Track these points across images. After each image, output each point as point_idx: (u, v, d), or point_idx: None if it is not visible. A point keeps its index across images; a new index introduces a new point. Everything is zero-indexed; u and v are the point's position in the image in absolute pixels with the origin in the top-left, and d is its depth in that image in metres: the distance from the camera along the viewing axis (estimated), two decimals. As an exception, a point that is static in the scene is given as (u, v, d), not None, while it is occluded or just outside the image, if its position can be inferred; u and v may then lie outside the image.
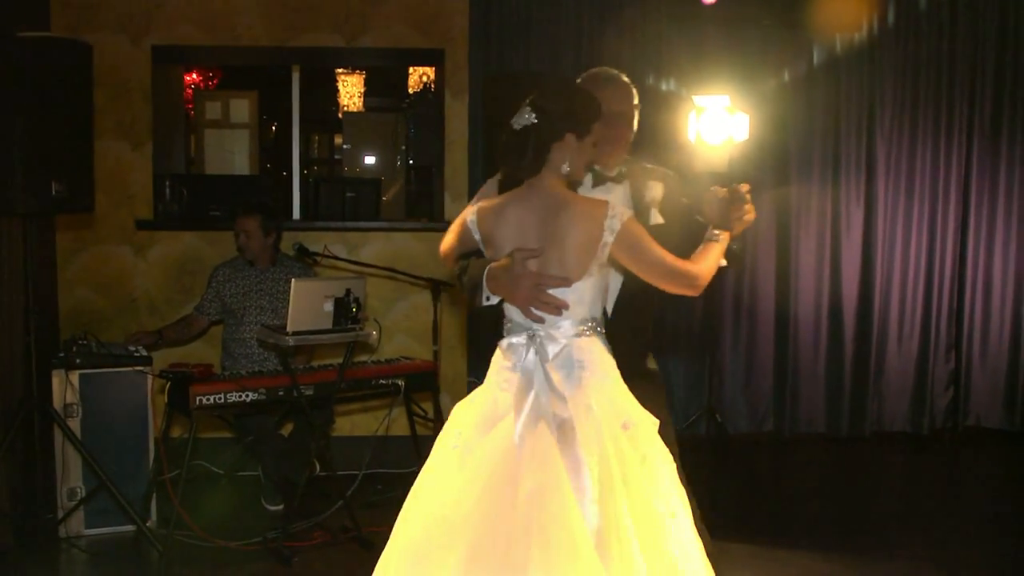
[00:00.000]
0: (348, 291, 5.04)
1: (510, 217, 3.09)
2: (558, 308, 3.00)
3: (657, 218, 3.32)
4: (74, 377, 5.18)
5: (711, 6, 6.90)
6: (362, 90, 10.04)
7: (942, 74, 7.43)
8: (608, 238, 2.94)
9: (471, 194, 6.87)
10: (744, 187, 3.13)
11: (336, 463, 5.46)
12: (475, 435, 3.04)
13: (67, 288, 6.57)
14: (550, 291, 2.99)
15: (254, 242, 5.93)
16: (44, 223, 6.22)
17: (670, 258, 2.98)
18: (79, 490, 5.21)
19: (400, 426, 6.13)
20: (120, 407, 5.30)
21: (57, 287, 6.52)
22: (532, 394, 2.96)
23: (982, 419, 7.64)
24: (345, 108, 9.84)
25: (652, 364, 3.60)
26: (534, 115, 3.04)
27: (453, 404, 6.24)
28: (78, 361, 5.19)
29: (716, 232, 3.12)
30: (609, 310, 3.26)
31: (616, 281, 3.32)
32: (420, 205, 7.98)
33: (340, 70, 9.82)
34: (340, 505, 5.29)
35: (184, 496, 5.00)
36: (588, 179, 3.39)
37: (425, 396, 5.95)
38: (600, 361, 3.02)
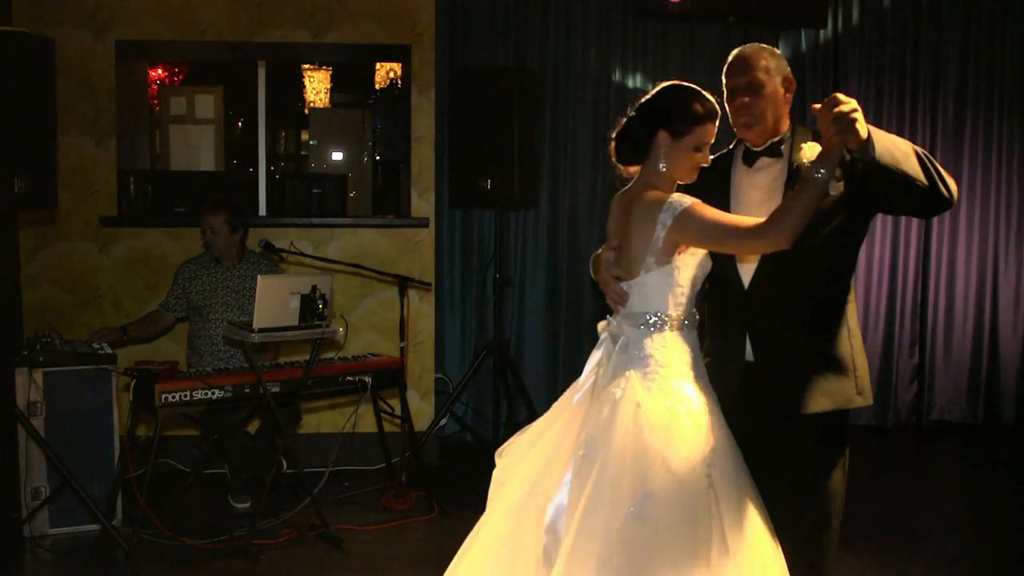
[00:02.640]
0: (314, 288, 5.03)
1: (614, 209, 3.29)
2: (622, 299, 3.16)
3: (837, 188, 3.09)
4: (38, 375, 5.14)
5: (677, 3, 6.93)
6: (328, 86, 10.01)
7: (905, 70, 7.50)
8: (660, 232, 3.06)
9: (438, 190, 6.90)
10: (837, 96, 2.85)
11: (303, 460, 5.44)
12: (566, 396, 3.26)
13: (30, 285, 6.51)
14: (622, 283, 3.17)
15: (220, 238, 5.90)
16: (6, 220, 6.16)
17: (737, 221, 3.03)
18: (43, 489, 5.17)
19: (367, 423, 6.12)
20: (84, 405, 5.26)
21: (20, 284, 6.45)
22: (596, 374, 3.19)
23: (946, 413, 7.72)
24: (311, 104, 9.81)
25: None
26: (633, 111, 3.23)
27: (420, 401, 6.29)
28: (41, 359, 5.15)
29: (812, 168, 2.90)
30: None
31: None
32: (387, 201, 7.96)
33: (306, 66, 9.79)
34: (307, 502, 5.27)
35: (150, 494, 4.97)
36: (737, 157, 3.41)
37: (392, 393, 5.95)
38: (643, 356, 3.11)
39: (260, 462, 5.58)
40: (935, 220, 7.56)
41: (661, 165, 3.14)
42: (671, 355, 3.11)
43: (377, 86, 9.11)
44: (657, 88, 3.22)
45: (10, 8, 6.32)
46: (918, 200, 3.01)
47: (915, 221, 7.56)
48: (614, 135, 3.26)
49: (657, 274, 3.11)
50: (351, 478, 6.15)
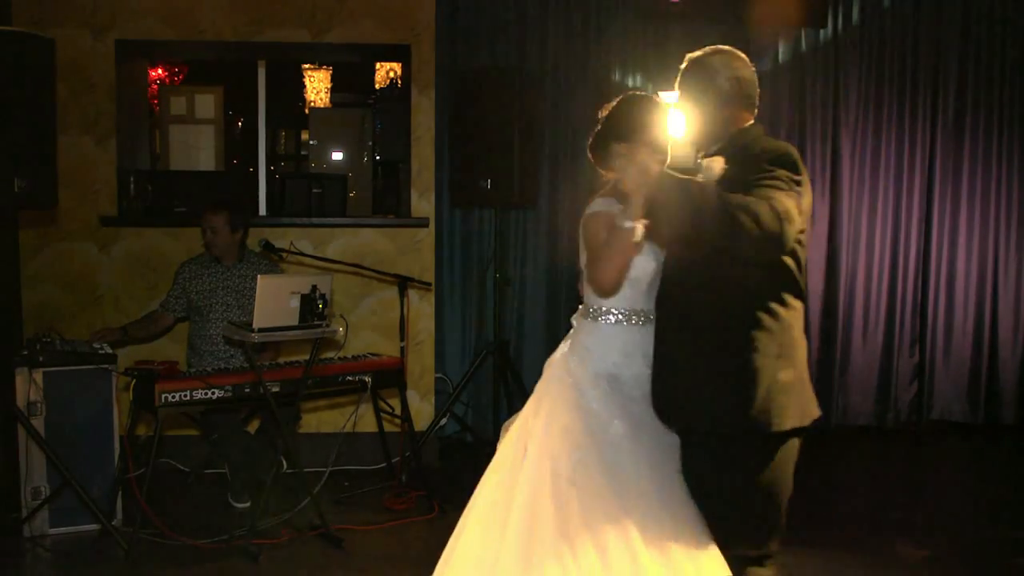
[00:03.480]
0: (314, 287, 5.02)
1: None
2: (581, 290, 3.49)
3: None
4: (38, 375, 5.13)
5: (676, 3, 6.93)
6: (329, 85, 10.03)
7: (906, 70, 7.51)
8: (581, 231, 3.37)
9: (438, 190, 6.90)
10: (622, 150, 3.06)
11: (303, 460, 5.44)
12: None
13: (30, 285, 6.51)
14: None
15: (221, 238, 5.90)
16: (7, 219, 6.17)
17: (591, 249, 3.29)
18: (43, 489, 5.17)
19: (367, 422, 6.12)
20: (85, 405, 5.26)
21: (20, 284, 6.46)
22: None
23: (946, 413, 7.72)
24: (312, 103, 9.83)
25: None
26: (597, 126, 3.47)
27: (420, 400, 6.29)
28: (42, 359, 5.15)
29: (619, 217, 3.07)
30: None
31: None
32: (387, 201, 7.96)
33: (307, 65, 9.80)
34: (307, 502, 5.27)
35: (150, 494, 4.97)
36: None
37: (392, 392, 5.94)
38: (573, 343, 3.46)
39: (260, 462, 5.58)
40: (935, 220, 7.57)
41: (618, 173, 3.20)
42: (599, 345, 3.38)
43: (377, 86, 9.12)
44: (616, 101, 3.46)
45: (10, 8, 6.33)
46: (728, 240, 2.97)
47: (915, 221, 7.57)
48: (590, 146, 3.52)
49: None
50: (351, 478, 6.15)
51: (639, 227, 3.04)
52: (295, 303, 4.98)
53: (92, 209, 6.57)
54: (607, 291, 3.27)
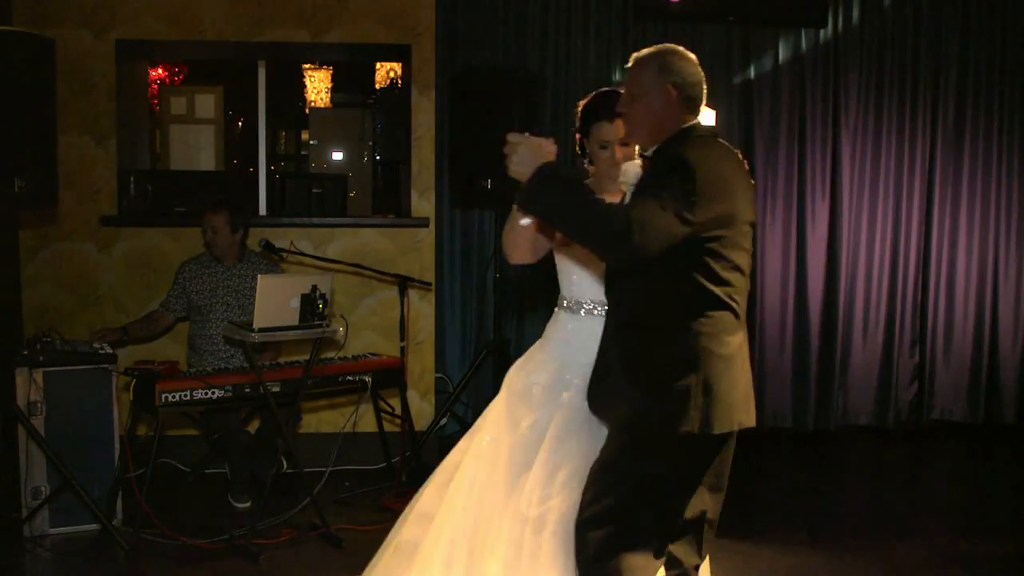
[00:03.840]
0: (314, 287, 5.02)
1: None
2: None
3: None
4: (38, 375, 5.13)
5: (676, 3, 6.93)
6: (329, 85, 10.03)
7: (906, 70, 7.50)
8: None
9: (438, 189, 6.90)
10: (510, 136, 3.01)
11: (303, 460, 5.44)
12: None
13: (30, 285, 6.51)
14: None
15: (221, 238, 5.90)
16: (7, 219, 6.17)
17: None
18: (43, 489, 5.17)
19: (367, 422, 6.13)
20: (85, 405, 5.26)
21: (20, 284, 6.46)
22: None
23: (946, 413, 7.72)
24: (312, 103, 9.82)
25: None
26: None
27: (420, 400, 6.29)
28: (42, 359, 5.15)
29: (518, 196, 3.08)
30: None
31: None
32: (387, 201, 7.96)
33: (307, 65, 9.80)
34: (307, 502, 5.27)
35: (150, 494, 4.98)
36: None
37: (392, 392, 5.95)
38: (547, 328, 3.65)
39: (260, 462, 5.58)
40: (935, 221, 7.58)
41: (588, 163, 3.50)
42: (552, 331, 3.59)
43: (377, 86, 9.11)
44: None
45: (10, 8, 6.32)
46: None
47: (915, 222, 7.57)
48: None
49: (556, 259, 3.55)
50: (351, 478, 6.15)
51: (525, 220, 3.18)
52: (295, 303, 4.98)
53: (92, 209, 6.57)
54: (511, 263, 3.46)
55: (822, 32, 7.39)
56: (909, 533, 5.44)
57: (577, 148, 3.60)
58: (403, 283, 6.11)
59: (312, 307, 5.02)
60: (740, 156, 3.22)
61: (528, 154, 2.91)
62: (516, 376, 3.61)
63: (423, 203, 6.83)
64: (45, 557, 4.99)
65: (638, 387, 3.05)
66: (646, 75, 3.18)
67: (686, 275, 3.01)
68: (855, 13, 7.42)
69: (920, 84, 7.52)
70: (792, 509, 5.91)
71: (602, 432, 3.27)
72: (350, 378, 5.53)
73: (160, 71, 8.70)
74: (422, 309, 6.78)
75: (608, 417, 3.22)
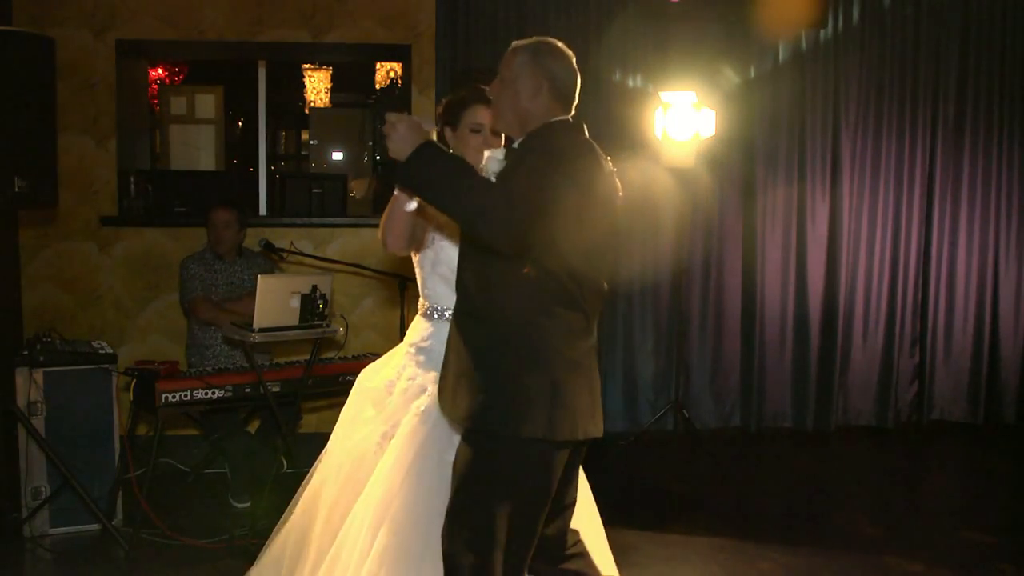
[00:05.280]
0: (314, 287, 5.03)
1: None
2: None
3: None
4: (38, 375, 5.12)
5: (676, 3, 6.93)
6: (329, 85, 10.02)
7: (906, 71, 7.50)
8: None
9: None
10: (388, 115, 2.97)
11: (303, 460, 5.43)
12: None
13: (30, 285, 6.51)
14: None
15: (232, 232, 5.92)
16: (7, 219, 6.17)
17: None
18: (44, 489, 5.17)
19: (368, 422, 6.11)
20: (85, 405, 5.25)
21: (20, 284, 6.46)
22: None
23: (946, 413, 7.73)
24: (312, 103, 9.82)
25: None
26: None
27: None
28: (42, 359, 5.14)
29: None
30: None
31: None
32: (387, 201, 7.94)
33: (307, 65, 9.79)
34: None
35: (150, 494, 4.97)
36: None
37: (392, 392, 5.93)
38: (407, 332, 3.75)
39: (261, 462, 5.58)
40: (935, 220, 7.58)
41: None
42: (410, 334, 3.69)
43: (377, 86, 9.12)
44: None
45: (10, 8, 6.33)
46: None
47: (915, 221, 7.57)
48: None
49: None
50: (351, 478, 6.14)
51: (412, 204, 3.14)
52: (295, 303, 4.98)
53: (92, 209, 6.58)
54: (391, 251, 3.48)
55: (822, 32, 7.39)
56: (910, 533, 5.44)
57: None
58: (403, 283, 6.10)
59: (312, 307, 5.02)
60: (603, 156, 3.12)
61: (408, 133, 2.86)
62: (369, 377, 3.71)
63: (423, 203, 6.83)
64: (45, 557, 4.99)
65: (480, 384, 2.94)
66: (517, 63, 3.13)
67: (550, 273, 2.92)
68: (855, 13, 7.42)
69: (920, 84, 7.51)
70: (792, 509, 5.91)
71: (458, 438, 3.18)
72: (350, 378, 5.49)
73: (160, 71, 8.70)
74: (422, 309, 6.78)
75: (448, 412, 3.11)
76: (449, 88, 6.79)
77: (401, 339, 5.98)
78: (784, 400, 7.55)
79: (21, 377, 5.10)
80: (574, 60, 3.19)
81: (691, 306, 7.44)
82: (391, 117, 2.90)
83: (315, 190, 7.01)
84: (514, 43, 3.21)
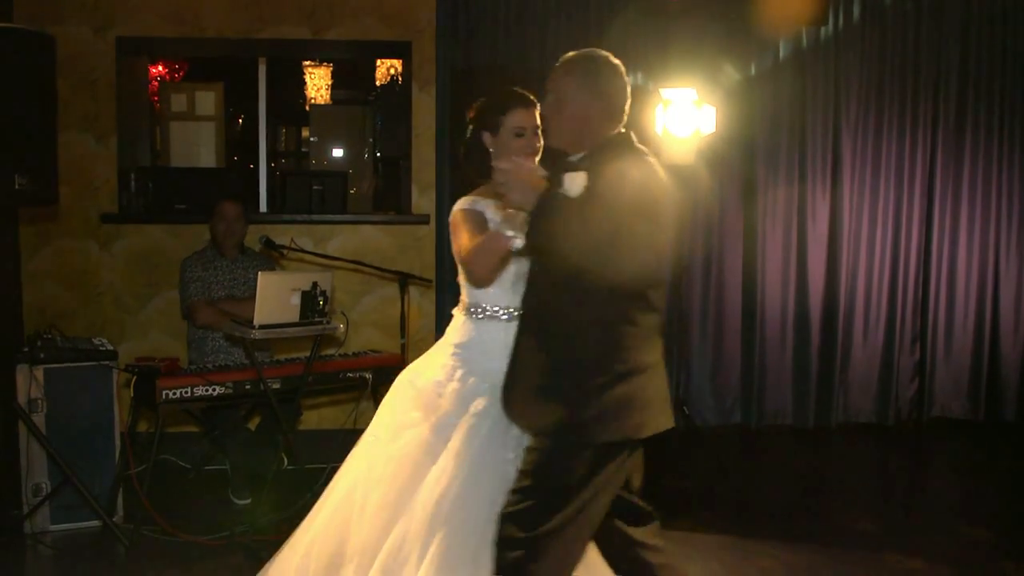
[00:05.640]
0: (315, 284, 5.02)
1: None
2: None
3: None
4: (38, 372, 5.12)
5: (678, 1, 6.92)
6: (329, 82, 10.01)
7: (907, 69, 7.50)
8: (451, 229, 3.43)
9: (439, 186, 6.90)
10: (507, 160, 3.04)
11: (304, 457, 5.44)
12: None
13: (31, 282, 6.51)
14: None
15: (239, 226, 5.93)
16: (7, 216, 6.17)
17: (462, 245, 3.29)
18: (44, 486, 5.17)
19: (368, 419, 6.04)
20: (85, 402, 5.25)
21: (21, 281, 6.46)
22: None
23: (946, 410, 7.73)
24: (312, 100, 9.80)
25: None
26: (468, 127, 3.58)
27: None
28: (43, 356, 5.14)
29: (502, 224, 3.06)
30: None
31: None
32: (387, 198, 7.96)
33: (307, 62, 9.78)
34: (308, 499, 5.26)
35: (151, 491, 4.98)
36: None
37: (393, 389, 5.94)
38: (447, 333, 3.60)
39: (261, 458, 5.58)
40: (936, 218, 7.58)
41: (492, 161, 3.30)
42: (453, 335, 3.53)
43: (378, 83, 9.10)
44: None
45: (11, 5, 6.33)
46: None
47: (916, 219, 7.57)
48: (461, 153, 3.65)
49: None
50: (352, 475, 6.14)
51: (518, 241, 3.01)
52: (296, 300, 4.98)
53: (93, 206, 6.58)
54: (479, 285, 3.40)
55: (823, 30, 7.39)
56: (910, 530, 5.45)
57: (462, 149, 3.63)
58: (404, 280, 6.09)
59: (313, 304, 5.02)
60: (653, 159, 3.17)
61: (530, 180, 2.91)
62: (415, 378, 3.59)
63: (424, 200, 6.83)
64: (46, 554, 4.99)
65: (567, 394, 3.01)
66: (568, 81, 3.16)
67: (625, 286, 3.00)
68: (856, 11, 7.42)
69: (921, 82, 7.51)
70: (793, 507, 5.91)
71: (512, 437, 3.28)
72: (351, 375, 5.52)
73: (160, 68, 8.69)
74: (423, 306, 6.78)
75: (526, 423, 3.16)
76: (450, 87, 6.79)
77: (402, 336, 6.02)
78: (785, 397, 7.56)
79: (22, 374, 5.10)
80: (624, 71, 3.21)
81: (692, 303, 7.44)
82: (504, 165, 2.95)
83: (315, 187, 7.01)
84: (563, 59, 3.23)
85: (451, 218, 3.40)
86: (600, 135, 3.16)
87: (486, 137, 3.49)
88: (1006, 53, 7.58)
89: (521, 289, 3.32)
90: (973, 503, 6.09)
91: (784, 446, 7.20)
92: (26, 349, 5.21)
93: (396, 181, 7.68)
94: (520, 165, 2.93)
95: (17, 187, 4.51)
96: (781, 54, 7.39)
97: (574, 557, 3.08)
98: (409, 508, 3.24)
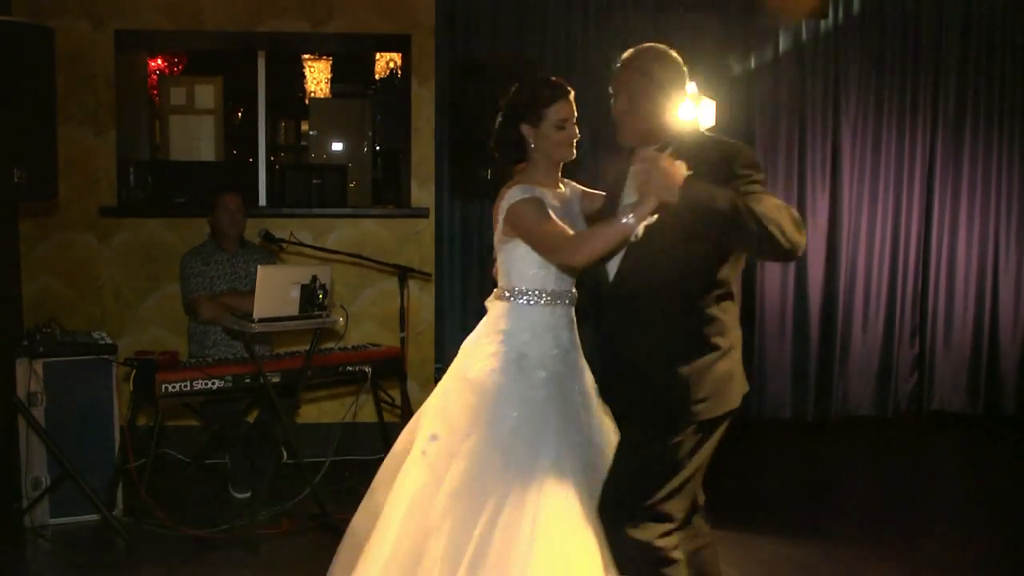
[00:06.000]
0: (314, 278, 5.02)
1: None
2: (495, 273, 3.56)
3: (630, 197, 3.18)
4: (38, 365, 5.13)
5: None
6: (329, 76, 9.98)
7: (907, 61, 7.50)
8: (500, 217, 3.39)
9: (438, 180, 6.89)
10: (647, 154, 2.99)
11: (303, 450, 5.44)
12: None
13: (30, 276, 6.51)
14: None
15: (241, 217, 5.93)
16: (6, 210, 6.17)
17: (548, 230, 3.24)
18: (44, 479, 5.18)
19: (367, 413, 6.12)
20: (85, 396, 5.26)
21: (20, 275, 6.46)
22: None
23: (945, 403, 7.74)
24: (312, 94, 9.78)
25: None
26: (499, 116, 3.49)
27: (420, 391, 6.26)
28: (42, 349, 5.15)
29: (623, 211, 2.99)
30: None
31: None
32: (387, 191, 7.95)
33: (306, 56, 9.76)
34: (308, 492, 5.28)
35: (150, 485, 4.99)
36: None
37: (392, 383, 5.95)
38: (487, 323, 3.50)
39: (261, 452, 5.58)
40: (935, 210, 7.58)
41: (532, 153, 3.43)
42: (515, 325, 3.41)
43: (377, 76, 9.08)
44: (510, 90, 3.49)
45: (10, -1, 6.32)
46: (750, 250, 3.12)
47: (915, 211, 7.57)
48: (492, 143, 3.53)
49: (505, 251, 3.44)
50: (351, 468, 6.15)
51: (641, 228, 2.99)
52: (295, 293, 4.97)
53: (92, 200, 6.57)
54: (573, 268, 3.33)
55: (823, 22, 7.38)
56: (909, 523, 5.46)
57: (494, 143, 3.54)
58: (403, 273, 6.10)
59: (312, 297, 5.01)
60: None
61: (668, 178, 2.88)
62: (464, 372, 3.45)
63: (423, 193, 6.83)
64: (45, 547, 5.00)
65: (667, 372, 3.11)
66: (643, 80, 3.24)
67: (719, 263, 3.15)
68: (855, 3, 7.41)
69: (921, 73, 7.51)
70: (792, 500, 5.92)
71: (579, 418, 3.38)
72: (350, 368, 5.52)
73: (159, 61, 8.67)
74: (422, 299, 6.78)
75: (629, 402, 3.25)
76: (450, 80, 6.78)
77: (401, 329, 6.02)
78: (784, 390, 7.56)
79: (21, 368, 5.11)
80: (681, 61, 3.28)
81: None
82: (647, 156, 2.94)
83: (315, 181, 7.00)
84: (627, 56, 3.32)
85: (511, 209, 3.33)
86: (668, 128, 3.22)
87: (525, 129, 3.43)
88: (1006, 46, 7.57)
89: (566, 275, 3.41)
90: (972, 495, 6.10)
91: (783, 439, 7.20)
92: (25, 343, 5.22)
93: (395, 174, 7.67)
94: (659, 159, 2.90)
95: (16, 181, 4.52)
96: (781, 47, 7.39)
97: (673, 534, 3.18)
98: (511, 494, 3.18)
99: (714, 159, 3.05)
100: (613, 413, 3.42)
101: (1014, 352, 7.71)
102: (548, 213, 3.26)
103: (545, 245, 3.27)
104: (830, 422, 7.46)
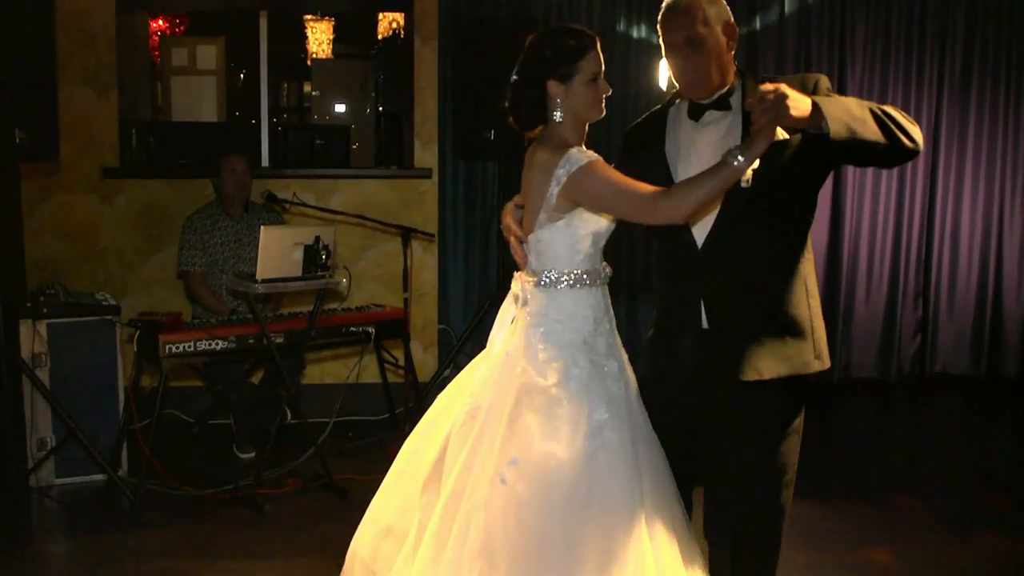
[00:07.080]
0: (317, 239, 5.02)
1: (526, 160, 3.13)
2: (522, 258, 3.14)
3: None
4: (42, 327, 5.14)
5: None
6: (331, 36, 9.94)
7: (912, 25, 7.44)
8: (554, 188, 2.93)
9: (441, 141, 6.87)
10: (768, 87, 2.67)
11: (307, 411, 5.46)
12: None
13: (33, 237, 6.50)
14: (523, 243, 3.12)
15: (247, 179, 5.93)
16: (8, 172, 6.15)
17: (633, 187, 2.83)
18: (49, 440, 5.20)
19: (370, 373, 6.14)
20: (89, 356, 5.28)
21: (23, 236, 6.45)
22: (504, 331, 3.17)
23: (948, 366, 7.73)
24: (314, 55, 9.75)
25: None
26: (515, 75, 3.03)
27: (423, 352, 6.28)
28: (45, 310, 5.16)
29: (731, 153, 2.69)
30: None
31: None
32: (390, 152, 7.93)
33: (308, 16, 9.71)
34: (311, 453, 5.30)
35: (155, 445, 5.00)
36: (682, 111, 3.15)
37: (395, 344, 5.96)
38: (537, 312, 3.05)
39: (264, 412, 5.60)
40: (940, 174, 7.54)
41: (558, 114, 2.99)
42: (567, 313, 3.02)
43: (380, 36, 9.05)
44: (527, 44, 3.03)
45: (9, -43, 6.27)
46: (878, 157, 2.87)
47: (920, 175, 7.54)
48: (507, 105, 3.07)
49: (550, 230, 3.01)
50: (355, 428, 6.17)
51: (749, 172, 2.76)
52: (298, 254, 4.97)
53: (94, 161, 6.56)
54: (680, 221, 2.85)
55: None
56: (910, 485, 5.47)
57: (511, 104, 3.07)
58: (406, 234, 6.10)
59: (315, 258, 5.01)
60: None
61: (801, 103, 2.66)
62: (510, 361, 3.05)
63: (426, 154, 6.81)
64: (51, 507, 5.03)
65: (786, 334, 3.06)
66: (704, 20, 2.97)
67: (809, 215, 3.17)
68: (862, -37, 7.36)
69: (926, 35, 7.45)
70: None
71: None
72: (353, 329, 5.53)
73: (161, 22, 8.63)
74: (425, 260, 6.78)
75: (750, 372, 3.04)
76: (453, 40, 6.74)
77: (405, 290, 6.02)
78: (786, 352, 7.55)
79: (25, 329, 5.12)
80: None
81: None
82: (768, 88, 2.65)
83: (318, 141, 6.98)
84: (676, 10, 3.00)
85: (574, 177, 2.86)
86: (733, 66, 3.11)
87: (552, 86, 2.96)
88: (1013, 6, 7.51)
89: (598, 254, 3.06)
90: (975, 458, 6.12)
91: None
92: (29, 304, 5.22)
93: (399, 135, 7.65)
94: (784, 87, 2.64)
95: (18, 142, 4.50)
96: (786, 9, 7.33)
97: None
98: None
99: (797, 88, 2.80)
100: (710, 411, 3.15)
101: (1017, 315, 7.70)
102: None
103: (634, 206, 2.82)
104: (832, 385, 7.46)
